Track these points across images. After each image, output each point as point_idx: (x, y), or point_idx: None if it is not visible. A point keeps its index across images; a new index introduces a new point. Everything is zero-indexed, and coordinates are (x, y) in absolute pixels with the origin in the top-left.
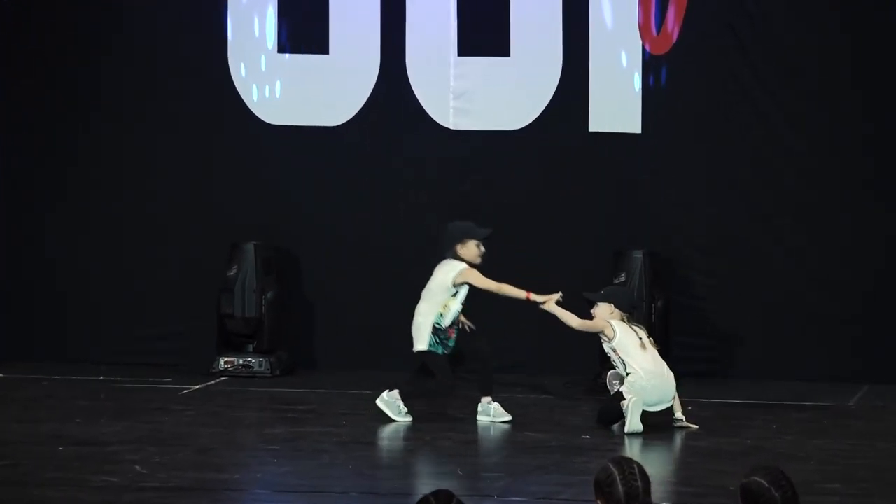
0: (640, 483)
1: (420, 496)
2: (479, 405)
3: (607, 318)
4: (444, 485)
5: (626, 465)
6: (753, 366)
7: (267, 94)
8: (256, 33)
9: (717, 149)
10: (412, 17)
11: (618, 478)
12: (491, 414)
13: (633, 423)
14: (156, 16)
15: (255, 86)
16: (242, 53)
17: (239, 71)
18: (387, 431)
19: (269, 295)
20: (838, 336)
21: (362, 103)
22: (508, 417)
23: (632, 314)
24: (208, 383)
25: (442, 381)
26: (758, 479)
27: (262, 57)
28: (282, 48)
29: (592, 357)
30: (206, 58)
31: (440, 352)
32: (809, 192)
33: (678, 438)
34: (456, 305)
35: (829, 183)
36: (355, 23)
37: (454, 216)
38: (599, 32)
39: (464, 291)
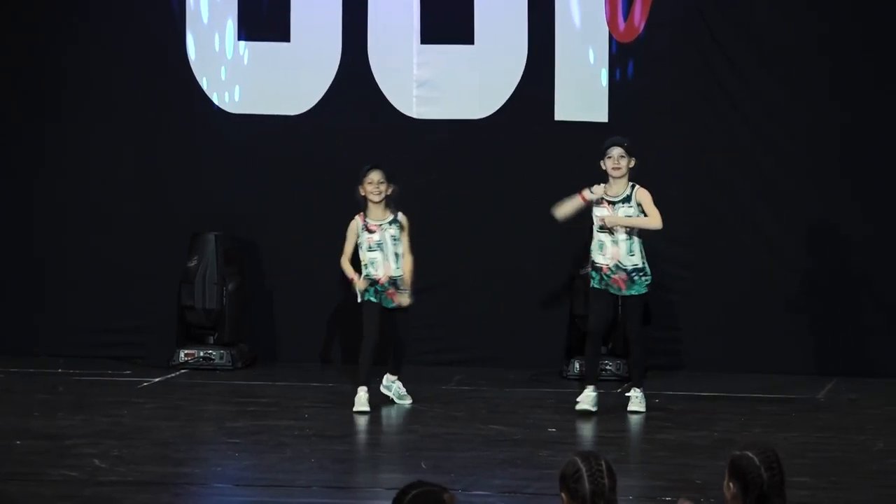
0: (606, 481)
1: (399, 489)
2: (384, 378)
3: None
4: (409, 479)
5: (594, 460)
6: (722, 358)
7: (227, 84)
8: (217, 21)
9: (689, 137)
10: (374, 4)
11: (585, 473)
12: (392, 391)
13: None
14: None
15: (214, 74)
16: (202, 40)
17: (199, 59)
18: (350, 425)
19: (230, 286)
20: (807, 328)
21: (324, 92)
22: (409, 400)
23: None
24: (168, 376)
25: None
26: (750, 454)
27: (223, 45)
28: (242, 36)
29: (557, 350)
30: (166, 45)
31: (370, 298)
32: (784, 182)
33: (645, 431)
34: (362, 255)
35: (804, 173)
36: (317, 10)
37: (418, 206)
38: (566, 26)
39: (363, 238)
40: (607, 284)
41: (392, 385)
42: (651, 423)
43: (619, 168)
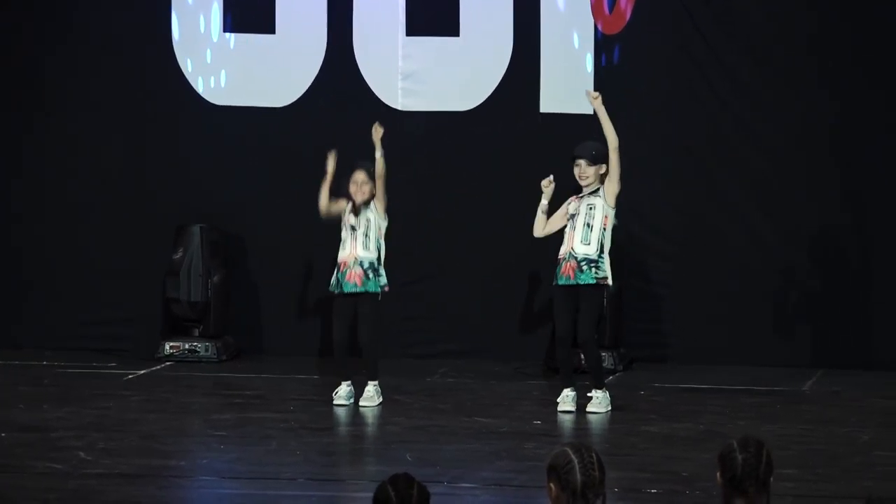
0: (597, 473)
1: (379, 482)
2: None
3: None
4: (394, 471)
5: (586, 452)
6: (707, 351)
7: (212, 75)
8: (202, 12)
9: (676, 130)
10: None
11: (577, 465)
12: (366, 397)
13: None
14: None
15: (200, 61)
16: (188, 32)
17: (184, 50)
18: (335, 417)
19: (215, 279)
20: (792, 321)
21: (309, 84)
22: (374, 403)
23: None
24: (153, 368)
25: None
26: (732, 441)
27: (209, 36)
28: (228, 28)
29: (542, 342)
30: (150, 38)
31: (334, 290)
32: (771, 178)
33: (630, 423)
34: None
35: (791, 168)
36: (302, 2)
37: (403, 198)
38: (551, 12)
39: (344, 218)
40: (558, 276)
41: (369, 390)
42: (636, 416)
43: (584, 177)
